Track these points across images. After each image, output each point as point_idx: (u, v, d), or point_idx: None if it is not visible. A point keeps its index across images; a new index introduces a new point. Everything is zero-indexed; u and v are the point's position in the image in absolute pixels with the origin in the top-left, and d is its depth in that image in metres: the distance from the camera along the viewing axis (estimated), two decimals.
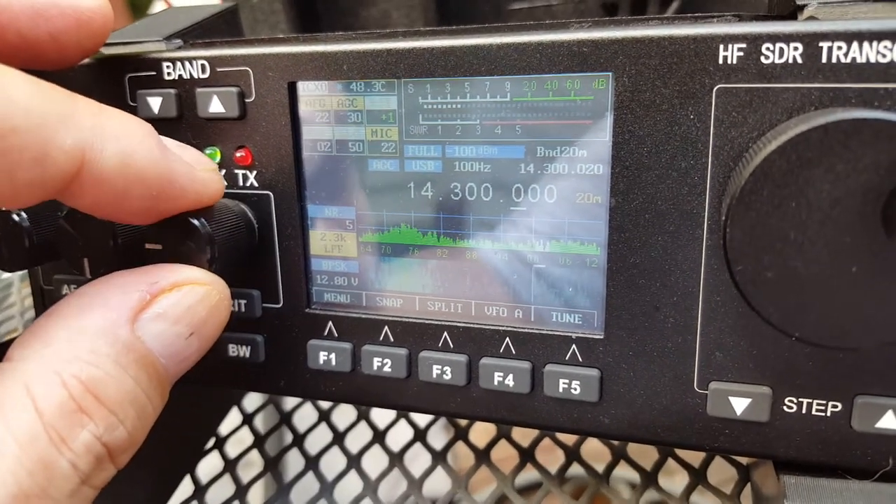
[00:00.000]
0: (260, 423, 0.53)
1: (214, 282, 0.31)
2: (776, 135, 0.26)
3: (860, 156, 0.25)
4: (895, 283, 0.26)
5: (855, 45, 0.27)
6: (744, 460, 0.43)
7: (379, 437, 0.50)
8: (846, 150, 0.25)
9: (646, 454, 0.44)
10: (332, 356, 0.37)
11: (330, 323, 0.37)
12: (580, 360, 0.34)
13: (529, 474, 0.46)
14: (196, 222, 0.33)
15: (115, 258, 0.35)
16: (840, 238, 0.26)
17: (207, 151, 0.37)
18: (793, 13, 0.31)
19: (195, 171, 0.31)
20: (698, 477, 0.42)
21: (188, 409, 0.49)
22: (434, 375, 0.36)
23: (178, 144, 0.31)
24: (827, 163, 0.25)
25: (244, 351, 0.39)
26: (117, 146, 0.27)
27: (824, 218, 0.26)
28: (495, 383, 0.35)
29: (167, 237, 0.34)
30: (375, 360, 0.37)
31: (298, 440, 0.51)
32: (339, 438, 0.50)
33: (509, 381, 0.35)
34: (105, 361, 0.26)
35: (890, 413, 0.30)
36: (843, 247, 0.26)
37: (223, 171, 0.37)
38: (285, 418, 0.53)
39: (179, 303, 0.29)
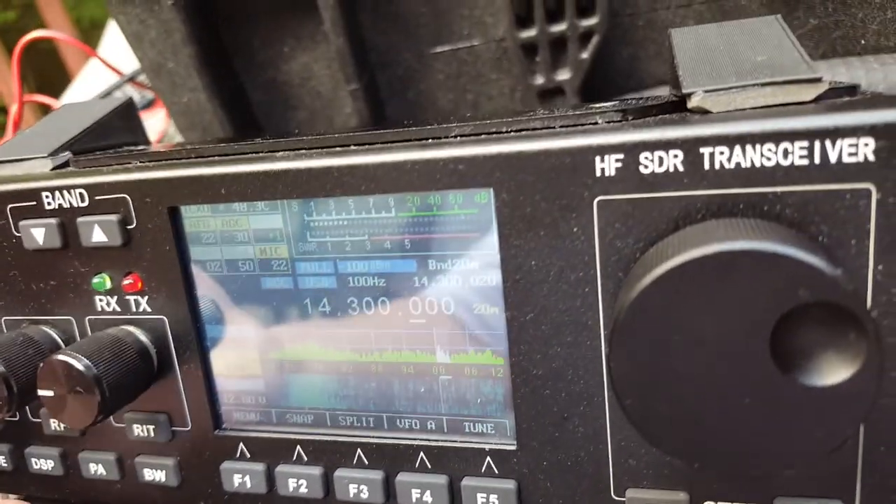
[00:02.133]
0: None
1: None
2: (650, 264, 0.25)
3: (740, 287, 0.23)
4: (791, 412, 0.24)
5: (738, 149, 0.26)
6: None
7: None
8: (725, 283, 0.24)
9: None
10: (247, 478, 0.36)
11: (241, 444, 0.36)
12: (496, 472, 0.33)
13: None
14: (79, 366, 0.32)
15: (11, 403, 0.34)
16: (729, 371, 0.24)
17: (95, 280, 0.35)
18: (682, 102, 0.30)
19: None
20: None
21: None
22: (351, 495, 0.35)
23: None
24: (706, 295, 0.24)
25: (159, 475, 0.37)
26: None
27: (711, 350, 0.24)
28: (413, 500, 0.34)
29: (55, 383, 0.32)
30: (290, 480, 0.35)
31: None
32: None
33: (427, 497, 0.33)
34: None
35: None
36: (734, 380, 0.24)
37: (114, 298, 0.35)
38: None
39: None
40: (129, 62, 0.83)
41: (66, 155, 0.38)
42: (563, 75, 0.53)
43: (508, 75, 0.57)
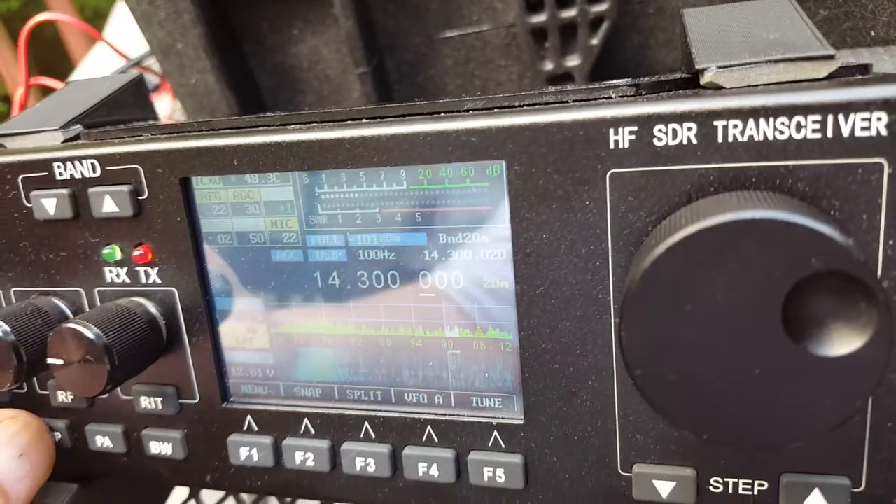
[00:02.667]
0: (206, 495, 0.52)
1: (29, 417, 0.37)
2: (663, 235, 0.25)
3: (753, 257, 0.24)
4: (802, 383, 0.24)
5: (751, 122, 0.26)
6: None
7: None
8: (738, 252, 0.24)
9: None
10: (254, 451, 0.36)
11: (249, 417, 0.36)
12: (503, 446, 0.33)
13: None
14: (90, 334, 0.32)
15: (20, 372, 0.34)
16: (741, 341, 0.24)
17: (106, 251, 0.35)
18: (694, 78, 0.30)
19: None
20: None
21: (129, 492, 0.48)
22: (358, 468, 0.35)
23: None
24: (719, 265, 0.24)
25: (165, 448, 0.37)
26: None
27: (722, 320, 0.24)
28: (420, 473, 0.34)
29: (65, 352, 0.33)
30: (298, 453, 0.35)
31: None
32: None
33: (434, 470, 0.34)
34: None
35: (816, 491, 0.29)
36: (745, 349, 0.24)
37: (124, 269, 0.35)
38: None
39: (5, 430, 0.35)
40: (133, 49, 0.83)
41: (77, 128, 0.39)
42: (573, 61, 0.53)
43: (517, 61, 0.57)
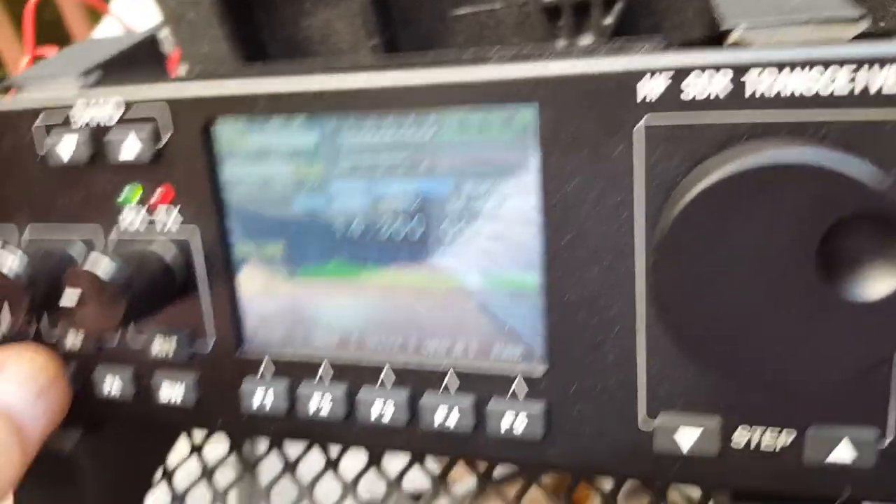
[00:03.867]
0: (209, 452, 0.52)
1: (48, 356, 0.37)
2: (696, 179, 0.25)
3: (787, 200, 0.24)
4: (833, 327, 0.25)
5: (783, 75, 0.26)
6: None
7: (331, 464, 0.49)
8: (772, 196, 0.24)
9: None
10: (268, 398, 0.36)
11: (263, 364, 0.36)
12: (524, 395, 0.33)
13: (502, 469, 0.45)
14: (108, 271, 0.32)
15: (31, 311, 0.34)
16: (774, 285, 0.25)
17: (123, 196, 0.35)
18: (720, 36, 0.30)
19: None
20: (659, 497, 0.42)
21: (133, 442, 0.47)
22: (374, 415, 0.35)
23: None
24: (752, 209, 0.24)
25: (176, 393, 0.37)
26: None
27: (755, 263, 0.25)
28: (437, 422, 0.34)
29: (81, 287, 0.32)
30: (313, 400, 0.35)
31: (249, 470, 0.49)
32: (290, 467, 0.49)
33: (452, 418, 0.34)
34: None
35: (845, 441, 0.29)
36: (778, 294, 0.25)
37: (141, 214, 0.35)
38: (235, 446, 0.52)
39: (24, 369, 0.35)
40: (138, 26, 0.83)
41: (96, 76, 0.38)
42: (586, 41, 0.54)
43: (530, 40, 0.57)
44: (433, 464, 0.48)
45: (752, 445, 0.30)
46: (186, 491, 0.49)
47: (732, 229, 0.24)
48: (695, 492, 0.41)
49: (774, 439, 0.30)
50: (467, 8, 0.59)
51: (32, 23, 0.74)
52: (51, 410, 0.35)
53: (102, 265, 0.32)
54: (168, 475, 0.50)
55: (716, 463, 0.31)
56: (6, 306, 0.34)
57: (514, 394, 0.33)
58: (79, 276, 0.32)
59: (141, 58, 0.43)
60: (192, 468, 0.51)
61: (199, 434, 0.54)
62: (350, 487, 0.47)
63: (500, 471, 0.45)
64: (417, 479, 0.48)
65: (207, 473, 0.50)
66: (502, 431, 0.33)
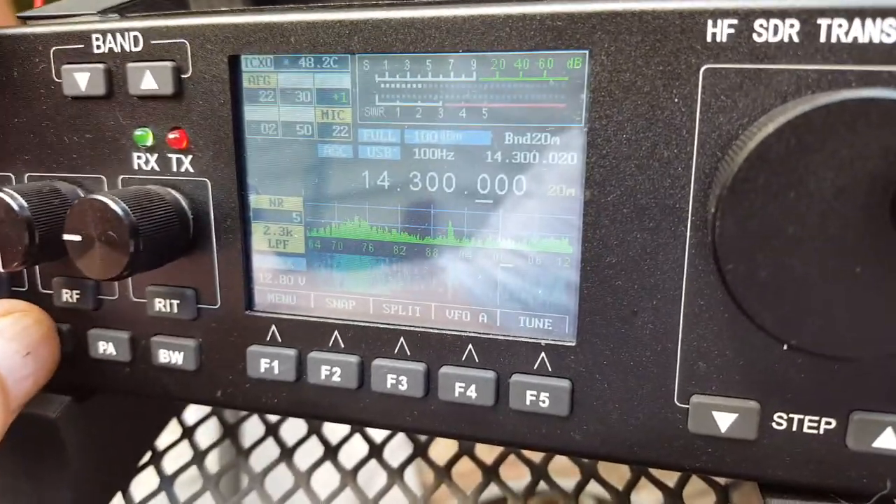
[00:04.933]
0: (201, 436, 0.49)
1: (41, 312, 0.35)
2: (773, 117, 0.23)
3: (867, 140, 0.22)
4: None
5: (857, 22, 0.24)
6: (723, 480, 0.40)
7: (331, 452, 0.46)
8: (852, 134, 0.22)
9: (617, 469, 0.41)
10: (275, 364, 0.33)
11: (273, 327, 0.34)
12: (549, 369, 0.30)
13: (495, 490, 0.42)
14: (118, 210, 0.29)
15: (30, 254, 0.31)
16: (843, 233, 0.23)
17: (138, 133, 0.33)
18: None
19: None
20: (674, 497, 0.39)
21: (121, 419, 0.45)
22: (388, 385, 0.32)
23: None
24: (830, 148, 0.22)
25: (176, 357, 0.35)
26: None
27: (826, 210, 0.23)
28: (456, 395, 0.31)
29: (86, 227, 0.30)
30: (323, 368, 0.33)
31: (243, 455, 0.47)
32: (287, 454, 0.46)
33: (471, 392, 0.31)
34: None
35: (889, 430, 0.27)
36: (847, 243, 0.23)
37: (155, 155, 0.33)
38: (229, 431, 0.49)
39: (14, 324, 0.33)
40: None
41: (115, 16, 0.36)
42: None
43: None
44: (434, 457, 0.45)
45: (793, 430, 0.28)
46: (175, 475, 0.46)
47: (806, 172, 0.22)
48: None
49: (816, 426, 0.28)
50: None
51: None
52: (39, 370, 0.33)
53: (111, 201, 0.30)
54: (157, 458, 0.48)
55: (752, 448, 0.29)
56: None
57: (538, 368, 0.30)
58: (85, 211, 0.30)
59: (164, 5, 0.41)
60: (182, 451, 0.48)
61: (190, 417, 0.52)
62: (349, 476, 0.44)
63: (488, 493, 0.43)
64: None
65: (198, 459, 0.47)
66: (525, 406, 0.31)
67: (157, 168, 0.33)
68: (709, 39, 0.26)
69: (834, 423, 0.28)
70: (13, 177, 0.35)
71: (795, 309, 0.24)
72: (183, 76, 0.32)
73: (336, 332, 0.33)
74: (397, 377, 0.32)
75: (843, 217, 0.23)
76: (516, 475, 0.43)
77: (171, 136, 0.33)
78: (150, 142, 0.33)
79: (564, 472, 0.44)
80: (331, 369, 0.33)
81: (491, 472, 0.42)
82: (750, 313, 0.24)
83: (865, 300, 0.23)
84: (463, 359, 0.31)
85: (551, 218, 0.30)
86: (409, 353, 0.32)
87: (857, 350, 0.24)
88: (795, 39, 0.25)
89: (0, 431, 0.31)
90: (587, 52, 0.27)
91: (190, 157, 0.33)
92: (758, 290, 0.24)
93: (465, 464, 0.45)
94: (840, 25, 0.25)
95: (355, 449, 0.47)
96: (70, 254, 0.30)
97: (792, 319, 0.24)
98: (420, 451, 0.46)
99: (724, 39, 0.26)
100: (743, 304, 0.24)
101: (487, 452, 0.44)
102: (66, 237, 0.30)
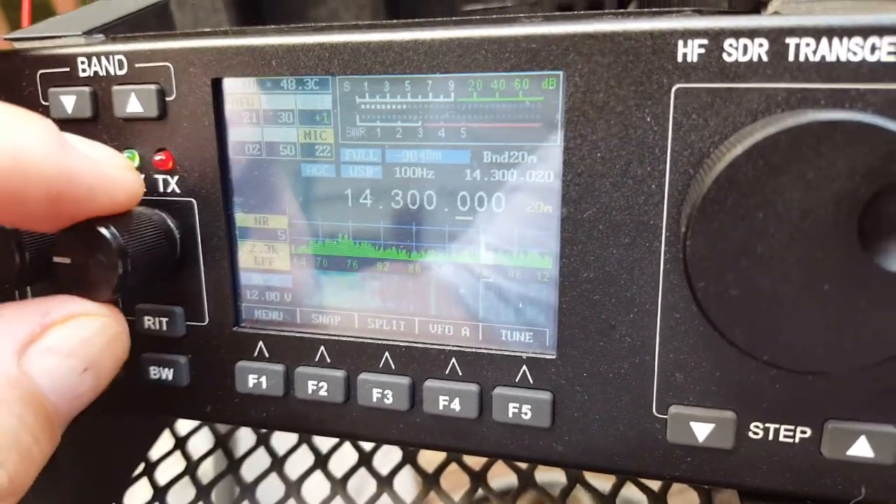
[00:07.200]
0: (193, 446, 0.50)
1: (111, 314, 0.29)
2: (742, 138, 0.24)
3: (834, 161, 0.23)
4: (872, 301, 0.23)
5: (824, 41, 0.25)
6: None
7: (321, 461, 0.47)
8: (818, 156, 0.23)
9: (603, 475, 0.42)
10: (263, 379, 0.34)
11: (260, 343, 0.34)
12: (531, 382, 0.31)
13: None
14: (106, 232, 0.30)
15: (21, 272, 0.32)
16: (812, 252, 0.23)
17: (124, 154, 0.33)
18: (756, 8, 0.29)
19: (104, 169, 0.28)
20: (658, 501, 0.40)
21: (114, 431, 0.45)
22: (374, 399, 0.33)
23: (86, 141, 0.28)
24: (797, 169, 0.23)
25: (166, 373, 0.35)
26: (6, 140, 0.24)
27: (794, 230, 0.23)
28: (440, 408, 0.32)
29: (75, 249, 0.30)
30: (310, 382, 0.33)
31: (234, 466, 0.47)
32: (278, 464, 0.47)
33: (455, 405, 0.32)
34: None
35: (863, 439, 0.28)
36: (816, 262, 0.23)
37: (141, 176, 0.33)
38: (221, 442, 0.50)
39: (73, 335, 0.27)
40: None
41: (100, 37, 0.37)
42: None
43: None
44: (424, 464, 0.45)
45: (769, 439, 0.29)
46: (168, 486, 0.46)
47: (774, 192, 0.23)
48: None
49: (791, 435, 0.28)
50: (478, 4, 0.58)
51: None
52: (98, 384, 0.28)
53: (100, 225, 0.30)
54: (150, 470, 0.48)
55: (729, 457, 0.29)
56: None
57: (520, 380, 0.31)
58: (74, 235, 0.30)
59: (150, 22, 0.41)
60: (175, 462, 0.49)
61: (182, 427, 0.52)
62: (339, 485, 0.44)
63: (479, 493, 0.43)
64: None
65: (191, 469, 0.48)
66: (508, 418, 0.31)
67: (144, 184, 0.34)
68: (679, 59, 0.26)
69: (809, 432, 0.28)
70: None
71: (766, 326, 0.24)
72: (167, 98, 0.32)
73: (322, 348, 0.33)
74: (383, 391, 0.33)
75: (812, 236, 0.23)
76: (504, 481, 0.44)
77: (157, 157, 0.33)
78: (136, 163, 0.33)
79: (551, 476, 0.45)
80: (318, 384, 0.33)
81: (479, 479, 0.43)
82: (722, 330, 0.25)
83: (834, 316, 0.24)
84: (447, 372, 0.32)
85: (530, 234, 0.30)
86: (394, 368, 0.33)
87: (827, 365, 0.25)
88: (764, 59, 0.26)
89: (42, 459, 0.26)
90: (561, 73, 0.28)
91: (176, 177, 0.33)
92: (729, 308, 0.24)
93: (454, 468, 0.45)
94: (808, 45, 0.25)
95: (345, 457, 0.48)
96: (59, 277, 0.31)
97: (763, 336, 0.25)
98: (409, 459, 0.47)
99: (695, 59, 0.26)
100: (715, 322, 0.25)
101: (475, 461, 0.44)
102: (56, 260, 0.31)
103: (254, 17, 0.60)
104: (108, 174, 0.28)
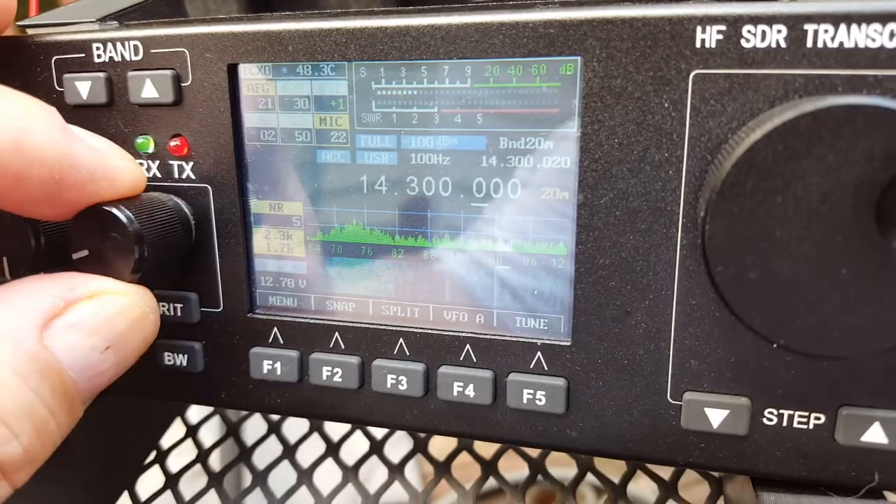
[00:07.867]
0: (205, 435, 0.50)
1: (138, 293, 0.29)
2: (761, 122, 0.24)
3: (853, 146, 0.23)
4: (889, 286, 0.23)
5: (843, 28, 0.25)
6: (717, 473, 0.40)
7: (332, 449, 0.47)
8: (838, 140, 0.23)
9: (613, 463, 0.42)
10: (277, 365, 0.34)
11: (275, 329, 0.34)
12: (545, 368, 0.31)
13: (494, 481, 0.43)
14: (122, 217, 0.30)
15: (38, 258, 0.32)
16: (830, 236, 0.23)
17: (139, 140, 0.34)
18: None
19: (105, 157, 0.28)
20: (669, 490, 0.40)
21: (127, 419, 0.46)
22: (388, 385, 0.33)
23: (87, 132, 0.29)
24: (817, 153, 0.23)
25: (181, 359, 0.35)
26: (9, 123, 0.24)
27: (813, 214, 0.23)
28: (454, 394, 0.32)
29: (90, 238, 0.30)
30: (325, 369, 0.34)
31: (246, 453, 0.47)
32: (289, 451, 0.47)
33: (470, 391, 0.32)
34: (1, 369, 0.23)
35: (876, 425, 0.28)
36: (833, 246, 0.23)
37: (156, 162, 0.34)
38: (232, 430, 0.50)
39: (97, 313, 0.27)
40: None
41: (114, 24, 0.37)
42: None
43: None
44: (434, 452, 0.46)
45: (783, 425, 0.29)
46: (180, 474, 0.47)
47: (793, 176, 0.23)
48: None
49: (805, 421, 0.28)
50: None
51: None
52: (120, 362, 0.28)
53: (116, 209, 0.30)
54: (162, 457, 0.48)
55: (743, 443, 0.29)
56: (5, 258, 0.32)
57: (535, 367, 0.31)
58: (90, 220, 0.30)
59: (162, 10, 0.41)
60: (186, 450, 0.49)
61: (194, 416, 0.52)
62: (350, 472, 0.45)
63: (488, 484, 0.43)
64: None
65: (202, 457, 0.48)
66: (522, 404, 0.31)
67: (158, 175, 0.34)
68: (698, 45, 0.26)
69: (823, 418, 0.28)
70: None
71: (784, 310, 0.24)
72: (183, 84, 0.32)
73: (337, 334, 0.33)
74: (397, 377, 0.33)
75: (830, 220, 0.23)
76: (513, 468, 0.44)
77: (172, 143, 0.33)
78: (151, 149, 0.34)
79: (561, 464, 0.45)
80: (332, 370, 0.33)
81: (489, 467, 0.43)
82: (739, 314, 0.25)
83: (851, 301, 0.24)
84: (461, 359, 0.32)
85: (546, 220, 0.30)
86: (408, 354, 0.33)
87: (844, 349, 0.25)
88: (783, 45, 0.26)
89: (60, 434, 0.26)
90: (579, 58, 0.28)
91: (191, 163, 0.33)
92: (747, 292, 0.25)
93: (464, 456, 0.45)
94: (826, 31, 0.25)
95: (356, 445, 0.48)
96: (75, 261, 0.31)
97: (780, 320, 0.25)
98: (420, 447, 0.47)
99: (713, 45, 0.26)
100: (732, 306, 0.25)
101: (486, 447, 0.44)
102: (75, 257, 0.31)
103: (265, 5, 0.60)
104: (108, 162, 0.29)
